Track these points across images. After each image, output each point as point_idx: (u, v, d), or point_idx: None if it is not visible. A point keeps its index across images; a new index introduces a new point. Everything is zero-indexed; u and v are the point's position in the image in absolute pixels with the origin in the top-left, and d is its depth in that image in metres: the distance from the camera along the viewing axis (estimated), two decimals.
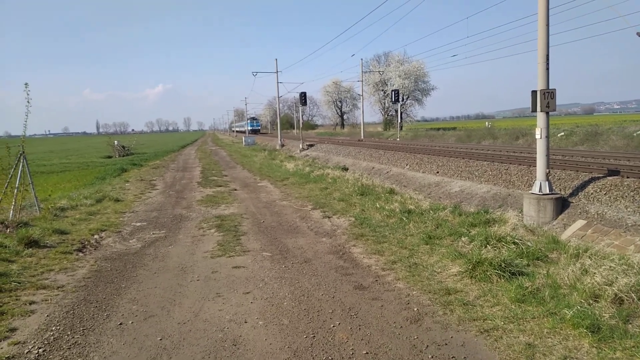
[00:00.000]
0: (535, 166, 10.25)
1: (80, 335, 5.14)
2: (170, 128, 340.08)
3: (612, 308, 5.18)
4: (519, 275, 6.35)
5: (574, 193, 10.07)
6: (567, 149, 22.94)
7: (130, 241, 9.59)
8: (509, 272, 6.37)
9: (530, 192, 10.13)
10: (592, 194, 9.70)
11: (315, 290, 6.44)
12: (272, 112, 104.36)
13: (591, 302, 5.34)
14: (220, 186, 18.30)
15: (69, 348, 4.83)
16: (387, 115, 73.21)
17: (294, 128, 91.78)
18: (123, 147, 45.30)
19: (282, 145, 43.33)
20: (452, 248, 7.92)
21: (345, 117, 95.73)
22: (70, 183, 20.58)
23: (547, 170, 9.92)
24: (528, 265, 6.89)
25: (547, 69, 9.64)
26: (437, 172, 16.08)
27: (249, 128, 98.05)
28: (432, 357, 4.54)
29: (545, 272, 6.43)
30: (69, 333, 5.18)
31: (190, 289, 6.63)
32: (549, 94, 9.65)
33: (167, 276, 7.25)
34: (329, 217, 11.43)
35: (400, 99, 48.57)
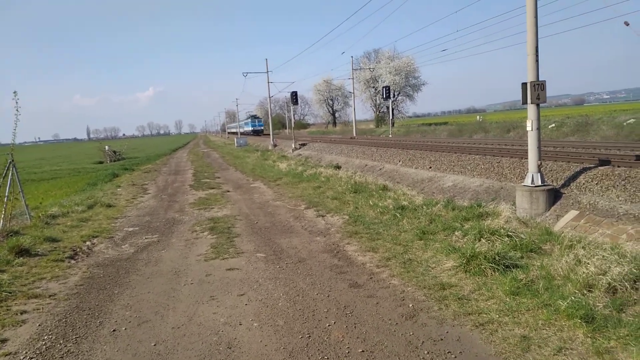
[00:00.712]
0: (527, 158, 10.27)
1: (73, 343, 5.08)
2: (162, 132, 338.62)
3: (606, 297, 5.19)
4: (513, 267, 6.35)
5: (566, 184, 10.10)
6: (558, 140, 23.05)
7: (123, 247, 9.52)
8: (503, 265, 6.38)
9: (522, 184, 10.14)
10: (583, 184, 9.74)
11: (310, 290, 6.41)
12: (264, 112, 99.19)
13: (585, 292, 5.35)
14: (213, 188, 18.23)
15: (62, 357, 4.77)
16: (379, 112, 73.24)
17: (286, 128, 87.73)
18: (114, 152, 45.05)
19: (275, 146, 43.23)
20: (446, 243, 7.91)
21: (337, 115, 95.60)
22: (61, 190, 20.42)
23: (539, 162, 9.94)
24: (522, 257, 6.90)
25: (537, 60, 9.64)
26: (430, 168, 16.09)
27: (250, 129, 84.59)
28: (428, 352, 4.53)
29: (539, 263, 6.43)
30: (61, 342, 5.12)
31: (184, 293, 6.58)
32: (539, 86, 9.66)
33: (160, 281, 7.19)
34: (322, 216, 11.41)
35: (391, 96, 48.59)
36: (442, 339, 4.78)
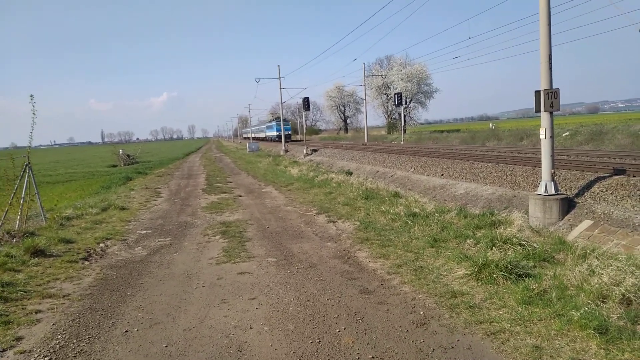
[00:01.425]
0: (540, 167, 10.20)
1: (86, 343, 5.15)
2: (175, 136, 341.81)
3: (620, 309, 5.12)
4: (526, 277, 6.30)
5: (580, 193, 10.00)
6: (572, 149, 22.82)
7: (136, 249, 9.61)
8: (515, 274, 6.33)
9: (535, 193, 10.07)
10: (598, 193, 9.64)
11: (321, 295, 6.42)
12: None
13: (599, 303, 5.29)
14: (225, 192, 18.34)
15: (75, 356, 4.84)
16: (391, 118, 73.25)
17: (297, 133, 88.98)
18: (128, 155, 45.56)
19: (286, 151, 43.38)
20: (458, 251, 7.88)
21: (348, 121, 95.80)
22: (75, 192, 20.70)
23: (553, 170, 9.86)
24: (534, 266, 6.84)
25: (550, 68, 9.60)
26: (442, 175, 16.03)
27: (274, 133, 66.81)
28: None
29: (552, 273, 6.37)
30: (74, 341, 5.19)
31: (195, 296, 6.62)
32: (552, 94, 9.61)
33: (172, 283, 7.25)
34: (333, 222, 11.42)
35: (403, 102, 48.64)
36: (452, 347, 4.75)
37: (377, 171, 21.04)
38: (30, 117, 10.85)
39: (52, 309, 6.20)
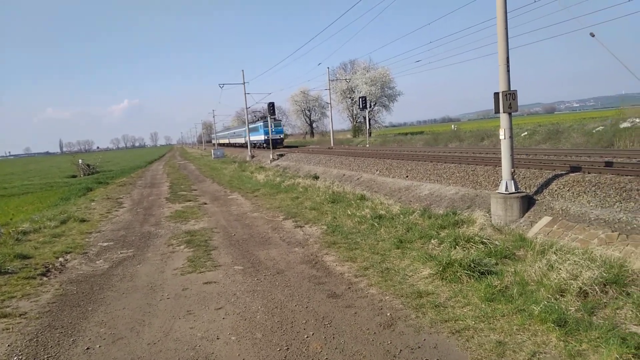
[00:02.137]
0: (501, 166, 10.48)
1: None
2: (137, 144, 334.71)
3: (578, 301, 5.32)
4: (488, 274, 6.45)
5: (539, 190, 10.34)
6: (530, 148, 23.60)
7: (97, 262, 9.31)
8: (478, 272, 6.47)
9: (497, 191, 10.34)
10: (556, 190, 9.98)
11: (289, 302, 6.38)
12: (240, 123, 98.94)
13: (558, 297, 5.47)
14: (190, 201, 18.02)
15: None
16: (356, 122, 73.78)
17: None
18: (88, 165, 44.17)
19: (252, 157, 43.06)
20: (423, 251, 7.99)
21: (314, 125, 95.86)
22: (33, 205, 19.89)
23: (512, 169, 10.15)
24: (496, 264, 7.01)
25: (508, 71, 9.89)
26: (407, 177, 16.26)
27: (262, 137, 52.79)
28: None
29: (513, 269, 6.55)
30: None
31: (160, 308, 6.46)
32: (510, 95, 9.90)
33: (136, 296, 7.05)
34: (300, 227, 11.39)
35: (367, 106, 49.05)
36: (419, 347, 4.81)
37: (344, 174, 21.15)
38: None
39: (7, 329, 5.92)
